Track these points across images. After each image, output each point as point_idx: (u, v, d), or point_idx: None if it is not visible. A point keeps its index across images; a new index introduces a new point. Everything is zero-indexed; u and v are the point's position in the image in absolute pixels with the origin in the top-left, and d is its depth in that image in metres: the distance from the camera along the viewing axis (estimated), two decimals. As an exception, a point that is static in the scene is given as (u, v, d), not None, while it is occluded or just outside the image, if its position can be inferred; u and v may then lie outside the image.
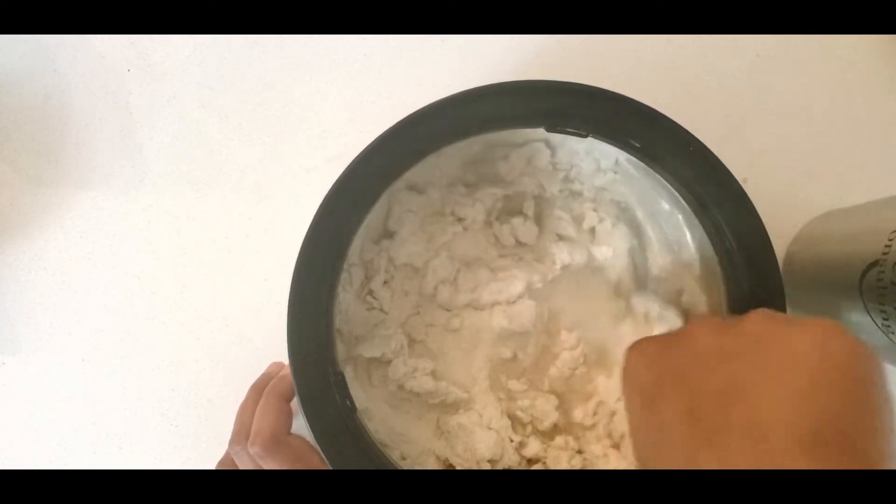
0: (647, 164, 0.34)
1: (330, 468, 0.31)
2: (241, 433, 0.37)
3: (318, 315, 0.32)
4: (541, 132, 0.36)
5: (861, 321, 0.34)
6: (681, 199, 0.35)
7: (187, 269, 0.45)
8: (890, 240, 0.33)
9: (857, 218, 0.39)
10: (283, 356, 0.42)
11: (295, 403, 0.37)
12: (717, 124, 0.45)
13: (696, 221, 0.35)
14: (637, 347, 0.29)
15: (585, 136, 0.35)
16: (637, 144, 0.34)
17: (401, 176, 0.33)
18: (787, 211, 0.44)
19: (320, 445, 0.31)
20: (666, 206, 0.38)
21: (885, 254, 0.33)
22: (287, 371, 0.39)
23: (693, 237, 0.37)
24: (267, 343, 0.45)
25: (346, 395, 0.32)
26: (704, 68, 0.46)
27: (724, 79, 0.45)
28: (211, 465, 0.41)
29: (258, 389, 0.39)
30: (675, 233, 0.39)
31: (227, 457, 0.39)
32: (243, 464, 0.36)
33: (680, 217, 0.38)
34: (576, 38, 0.45)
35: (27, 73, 0.46)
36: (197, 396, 0.45)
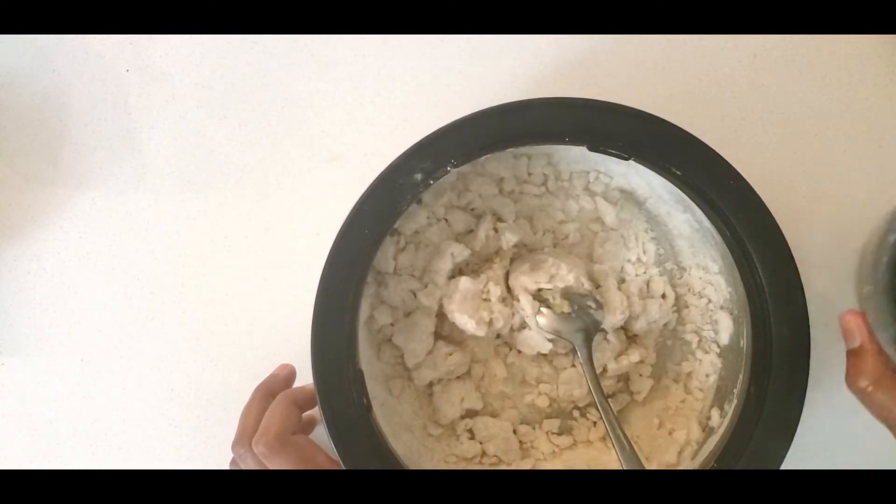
0: (685, 192, 0.34)
1: (336, 466, 0.31)
2: (244, 435, 0.36)
3: (343, 310, 0.32)
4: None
5: None
6: (715, 231, 0.35)
7: (186, 269, 0.45)
8: None
9: None
10: (281, 355, 0.42)
11: (315, 412, 0.37)
12: (714, 124, 0.45)
13: (727, 253, 0.35)
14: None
15: (627, 159, 0.34)
16: (678, 172, 0.34)
17: (440, 178, 0.34)
18: (784, 210, 0.44)
19: (332, 437, 0.31)
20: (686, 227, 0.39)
21: None
22: (308, 384, 0.39)
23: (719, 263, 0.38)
24: (266, 342, 0.45)
25: (364, 392, 0.32)
26: (701, 68, 0.46)
27: (721, 79, 0.45)
28: (211, 465, 0.41)
29: (263, 391, 0.39)
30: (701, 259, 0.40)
31: (235, 461, 0.39)
32: (246, 466, 0.36)
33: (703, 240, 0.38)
34: (574, 38, 0.45)
35: (27, 73, 0.46)
36: (196, 397, 0.45)
